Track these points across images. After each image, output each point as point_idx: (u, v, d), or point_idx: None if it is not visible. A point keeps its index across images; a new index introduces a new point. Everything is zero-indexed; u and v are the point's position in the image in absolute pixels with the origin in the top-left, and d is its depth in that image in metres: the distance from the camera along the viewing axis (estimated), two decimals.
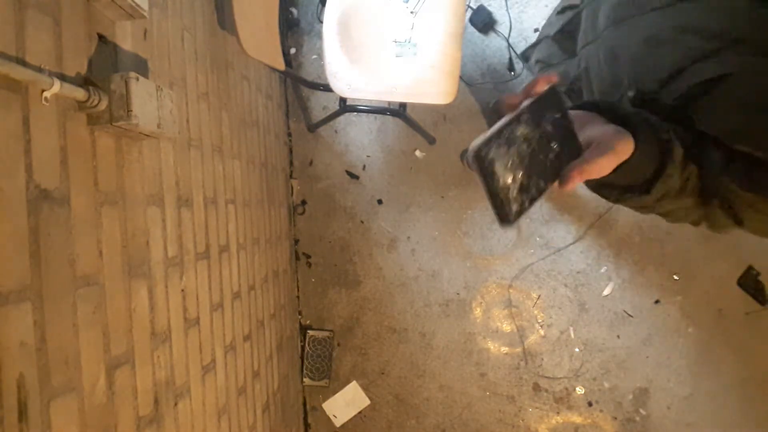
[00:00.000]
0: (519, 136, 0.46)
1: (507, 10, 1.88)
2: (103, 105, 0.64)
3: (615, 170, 0.51)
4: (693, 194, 0.57)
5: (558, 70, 0.99)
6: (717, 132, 0.55)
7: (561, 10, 1.03)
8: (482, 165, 0.44)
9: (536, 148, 0.47)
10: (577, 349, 1.95)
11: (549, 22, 1.12)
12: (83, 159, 0.64)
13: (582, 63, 0.85)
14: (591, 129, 0.53)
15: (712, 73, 0.54)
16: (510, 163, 0.45)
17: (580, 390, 1.96)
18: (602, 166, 0.49)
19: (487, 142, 0.44)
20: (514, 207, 0.46)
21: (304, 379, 1.99)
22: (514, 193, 0.46)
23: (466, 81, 1.91)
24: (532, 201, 0.48)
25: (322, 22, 1.48)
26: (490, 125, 0.53)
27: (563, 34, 0.99)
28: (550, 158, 0.49)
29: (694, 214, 0.61)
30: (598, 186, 0.60)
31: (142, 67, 0.81)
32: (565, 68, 0.96)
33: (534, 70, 1.13)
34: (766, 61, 0.50)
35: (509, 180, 0.46)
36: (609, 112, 0.55)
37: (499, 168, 0.45)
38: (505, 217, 0.46)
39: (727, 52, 0.53)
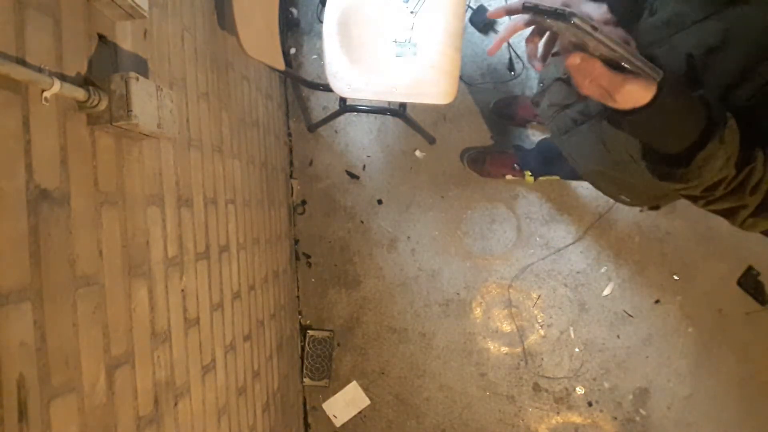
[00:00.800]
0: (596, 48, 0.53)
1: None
2: (103, 105, 0.64)
3: (641, 114, 0.55)
4: (758, 196, 0.58)
5: (578, 108, 0.97)
6: None
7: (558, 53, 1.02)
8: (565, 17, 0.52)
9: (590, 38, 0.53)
10: (577, 349, 1.95)
11: (548, 64, 1.10)
12: (83, 159, 0.64)
13: None
14: None
15: None
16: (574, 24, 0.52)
17: (580, 390, 1.96)
18: (602, 71, 0.53)
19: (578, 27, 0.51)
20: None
21: (304, 379, 1.99)
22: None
23: (466, 81, 1.91)
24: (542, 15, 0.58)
25: (322, 22, 1.48)
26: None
27: None
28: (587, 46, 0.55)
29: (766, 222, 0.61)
30: (645, 154, 0.62)
31: (142, 67, 0.81)
32: (586, 105, 0.94)
33: (548, 114, 1.11)
34: None
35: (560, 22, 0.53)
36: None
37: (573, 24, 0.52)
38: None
39: None
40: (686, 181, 0.59)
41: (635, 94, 0.54)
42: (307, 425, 2.03)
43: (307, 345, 1.99)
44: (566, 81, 1.00)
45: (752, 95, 0.58)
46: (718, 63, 0.61)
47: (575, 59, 0.55)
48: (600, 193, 1.12)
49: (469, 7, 1.86)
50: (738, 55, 0.59)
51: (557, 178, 1.82)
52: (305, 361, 1.98)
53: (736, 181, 0.58)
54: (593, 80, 0.56)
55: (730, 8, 0.61)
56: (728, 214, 0.63)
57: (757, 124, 0.58)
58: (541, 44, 0.70)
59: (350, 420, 2.00)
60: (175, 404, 0.86)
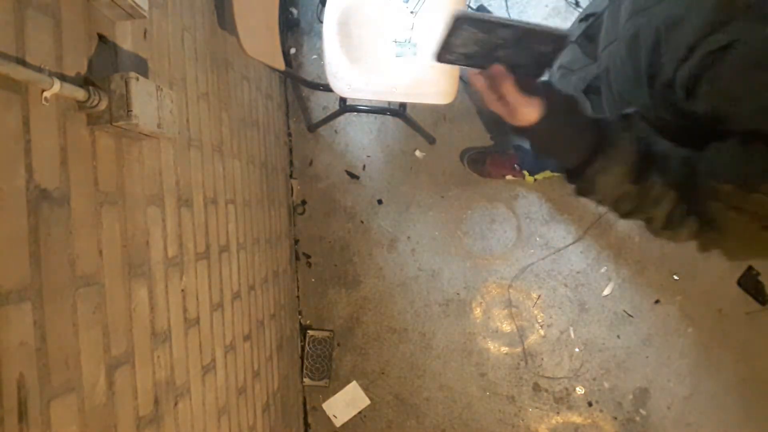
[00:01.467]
0: (500, 36, 0.59)
1: (507, 10, 1.88)
2: (103, 105, 0.64)
3: (532, 131, 0.64)
4: (662, 209, 0.64)
5: (580, 75, 0.98)
6: (721, 101, 0.56)
7: (584, 17, 1.03)
8: (455, 26, 0.57)
9: (501, 50, 0.60)
10: (577, 349, 1.95)
11: (571, 28, 1.12)
12: (83, 159, 0.64)
13: (603, 64, 0.85)
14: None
15: (719, 42, 0.55)
16: (474, 39, 0.59)
17: (580, 390, 1.96)
18: (511, 89, 0.61)
19: (473, 21, 0.57)
20: (451, 57, 0.63)
21: (304, 379, 1.99)
22: (459, 51, 0.61)
23: (465, 81, 1.91)
24: (463, 64, 0.64)
25: (322, 22, 1.48)
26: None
27: (586, 38, 0.99)
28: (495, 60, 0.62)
29: (684, 234, 0.66)
30: (558, 167, 0.70)
31: (142, 67, 0.81)
32: (586, 74, 0.95)
33: (556, 76, 1.12)
34: None
35: (462, 46, 0.60)
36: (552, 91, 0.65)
37: (464, 35, 0.58)
38: (439, 56, 0.62)
39: (737, 21, 0.54)
40: (585, 194, 0.67)
41: (528, 113, 0.62)
42: (307, 425, 2.03)
43: (307, 345, 1.99)
44: (579, 44, 1.01)
45: (690, 75, 0.59)
46: (675, 36, 0.62)
47: (479, 80, 0.64)
48: None
49: (469, 7, 1.87)
50: (691, 29, 0.60)
51: (551, 174, 1.81)
52: (305, 361, 1.98)
53: (637, 196, 0.64)
54: (501, 98, 0.63)
55: None
56: (646, 224, 0.68)
57: (699, 113, 0.59)
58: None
59: (350, 420, 2.00)
60: (175, 404, 0.86)
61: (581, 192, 0.67)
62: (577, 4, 1.86)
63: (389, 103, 1.74)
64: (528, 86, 0.63)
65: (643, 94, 0.70)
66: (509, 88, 0.62)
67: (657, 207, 0.64)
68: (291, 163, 2.00)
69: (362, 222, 1.99)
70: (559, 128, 0.64)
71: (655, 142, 0.66)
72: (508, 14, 1.88)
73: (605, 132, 0.64)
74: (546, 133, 0.65)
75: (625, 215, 0.68)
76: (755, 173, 0.53)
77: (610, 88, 0.82)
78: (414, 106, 1.84)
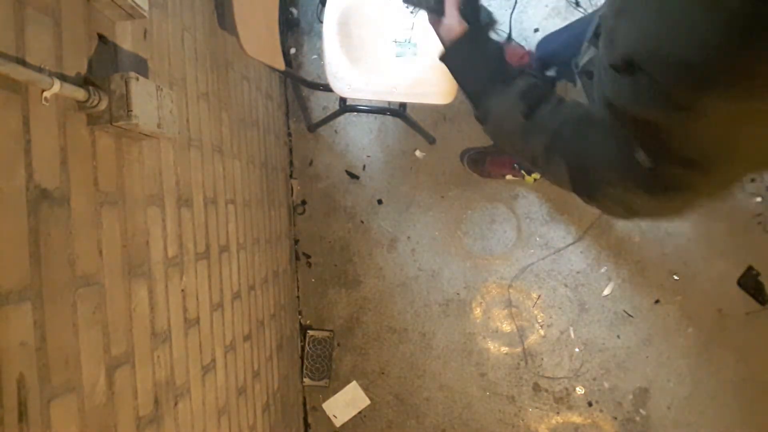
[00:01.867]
0: None
1: (511, 9, 1.88)
2: (103, 105, 0.64)
3: (451, 51, 0.82)
4: (540, 142, 0.71)
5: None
6: (622, 45, 0.56)
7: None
8: None
9: None
10: (577, 349, 1.95)
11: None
12: (83, 159, 0.64)
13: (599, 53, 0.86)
14: None
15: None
16: None
17: (580, 390, 1.96)
18: (456, 14, 0.81)
19: None
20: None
21: (304, 379, 1.99)
22: None
23: None
24: (424, 7, 0.86)
25: (322, 22, 1.48)
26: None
27: (596, 37, 0.99)
28: None
29: (561, 176, 0.71)
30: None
31: (142, 67, 0.81)
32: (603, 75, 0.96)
33: (578, 80, 1.13)
34: None
35: None
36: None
37: None
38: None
39: None
40: (481, 121, 0.79)
41: (453, 29, 0.80)
42: (307, 425, 2.03)
43: (307, 345, 1.99)
44: (593, 44, 1.01)
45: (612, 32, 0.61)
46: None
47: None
48: None
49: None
50: None
51: None
52: (305, 361, 1.98)
53: (523, 131, 0.72)
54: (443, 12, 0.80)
55: None
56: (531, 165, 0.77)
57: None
58: None
59: (350, 420, 2.00)
60: (175, 404, 0.86)
61: (479, 118, 0.80)
62: (577, 4, 1.85)
63: (389, 103, 1.74)
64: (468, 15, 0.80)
65: (607, 81, 0.70)
66: (452, 2, 0.78)
67: (535, 139, 0.71)
68: (291, 163, 2.00)
69: (362, 222, 1.99)
70: (472, 55, 0.80)
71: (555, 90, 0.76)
72: (512, 13, 1.88)
73: (508, 73, 0.76)
74: (460, 56, 0.81)
75: (515, 153, 0.78)
76: (633, 98, 0.55)
77: (599, 74, 0.83)
78: (414, 106, 1.84)
